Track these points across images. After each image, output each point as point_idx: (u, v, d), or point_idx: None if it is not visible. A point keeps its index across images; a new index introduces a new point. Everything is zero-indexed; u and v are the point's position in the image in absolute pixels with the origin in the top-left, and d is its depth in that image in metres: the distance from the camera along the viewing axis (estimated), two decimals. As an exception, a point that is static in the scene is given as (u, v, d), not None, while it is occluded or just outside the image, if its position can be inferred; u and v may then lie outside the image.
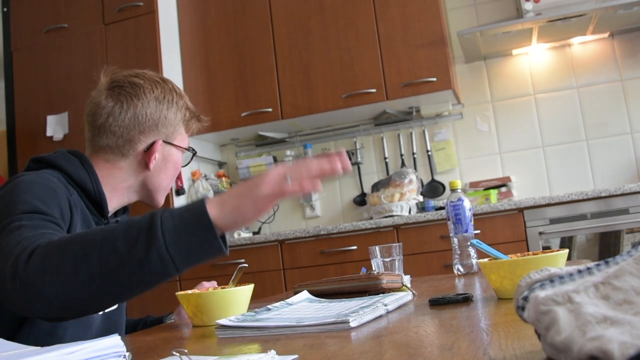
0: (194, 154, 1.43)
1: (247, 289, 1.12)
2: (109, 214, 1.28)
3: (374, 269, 1.46)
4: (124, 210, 1.39)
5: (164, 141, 1.31)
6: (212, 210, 0.81)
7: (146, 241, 0.80)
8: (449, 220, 1.65)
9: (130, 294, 0.85)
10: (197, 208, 0.82)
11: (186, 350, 0.68)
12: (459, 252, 1.61)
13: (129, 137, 1.27)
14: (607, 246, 2.70)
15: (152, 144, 1.28)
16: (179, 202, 3.29)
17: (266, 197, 0.81)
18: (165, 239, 0.79)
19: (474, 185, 3.30)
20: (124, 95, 1.27)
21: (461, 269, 1.60)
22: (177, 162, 1.35)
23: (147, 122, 1.28)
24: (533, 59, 3.45)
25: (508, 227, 2.81)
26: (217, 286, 1.30)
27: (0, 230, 0.95)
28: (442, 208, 3.14)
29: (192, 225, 0.80)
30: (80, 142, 1.31)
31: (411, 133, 3.58)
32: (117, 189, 1.28)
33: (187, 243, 0.79)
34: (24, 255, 0.83)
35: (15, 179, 1.11)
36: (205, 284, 1.34)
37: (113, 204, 1.29)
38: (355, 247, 2.99)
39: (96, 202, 1.23)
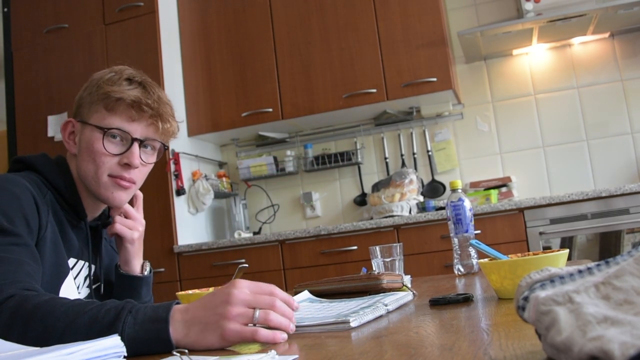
0: (139, 141, 1.21)
1: (248, 289, 1.11)
2: (88, 217, 1.24)
3: (374, 269, 1.46)
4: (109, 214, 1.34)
5: (77, 120, 1.23)
6: (177, 333, 0.78)
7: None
8: (449, 220, 1.65)
9: None
10: (162, 325, 0.78)
11: (186, 351, 0.68)
12: (459, 252, 1.61)
13: None
14: (607, 246, 2.70)
15: (68, 127, 1.25)
16: (179, 202, 3.29)
17: (235, 333, 0.76)
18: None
19: (474, 185, 3.29)
20: None
21: (461, 269, 1.60)
22: (89, 142, 1.19)
23: (75, 104, 1.27)
24: (533, 59, 3.44)
25: (508, 227, 2.81)
26: None
27: None
28: (442, 208, 3.14)
29: (152, 340, 0.78)
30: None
31: (411, 133, 3.58)
32: (78, 185, 1.23)
33: (139, 349, 0.79)
34: None
35: None
36: None
37: (88, 205, 1.25)
38: (355, 247, 2.99)
39: (71, 204, 1.20)
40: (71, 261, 1.19)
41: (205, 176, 3.51)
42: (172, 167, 3.28)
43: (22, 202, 1.06)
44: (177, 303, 0.83)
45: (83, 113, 1.23)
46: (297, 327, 0.84)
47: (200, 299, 0.82)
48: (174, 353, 0.68)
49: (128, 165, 1.19)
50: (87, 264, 1.24)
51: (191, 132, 3.54)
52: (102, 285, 1.30)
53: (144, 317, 0.80)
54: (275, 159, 3.69)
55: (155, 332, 0.78)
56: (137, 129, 1.20)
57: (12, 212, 1.03)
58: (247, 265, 1.19)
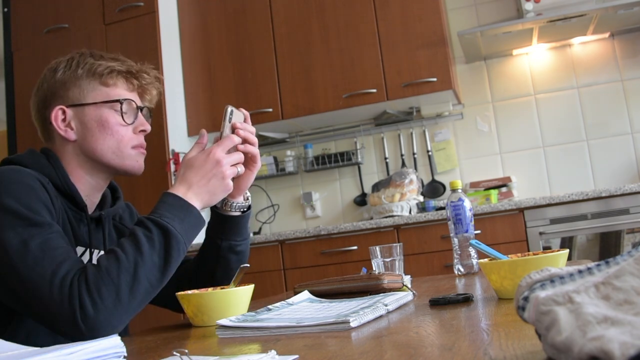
0: (140, 109, 1.27)
1: (248, 289, 1.11)
2: (88, 207, 1.23)
3: (374, 269, 1.46)
4: (114, 199, 1.33)
5: (68, 106, 1.21)
6: (199, 204, 1.13)
7: (177, 247, 1.05)
8: (449, 220, 1.65)
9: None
10: (195, 211, 1.11)
11: (186, 351, 0.68)
12: (459, 252, 1.61)
13: (42, 118, 1.25)
14: (607, 246, 2.70)
15: (58, 115, 1.22)
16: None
17: (231, 171, 1.19)
18: (184, 239, 1.06)
19: (474, 185, 3.29)
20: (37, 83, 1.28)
21: (461, 269, 1.60)
22: (102, 119, 1.21)
23: (47, 95, 1.23)
24: (533, 59, 3.44)
25: (508, 227, 2.81)
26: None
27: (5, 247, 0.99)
28: (442, 208, 3.14)
29: (196, 226, 1.11)
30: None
31: (411, 133, 3.58)
32: (75, 175, 1.22)
33: (193, 234, 1.10)
34: (74, 300, 0.94)
35: None
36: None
37: (84, 192, 1.23)
38: (355, 247, 2.99)
39: (68, 195, 1.19)
40: (79, 249, 1.19)
41: (205, 176, 3.51)
42: (172, 167, 3.28)
43: (37, 191, 1.07)
44: (170, 193, 1.11)
45: (72, 96, 1.22)
46: (297, 327, 0.84)
47: (185, 177, 1.14)
48: (174, 353, 0.68)
49: (142, 132, 1.27)
50: (96, 252, 1.23)
51: (191, 132, 3.54)
52: None
53: (180, 215, 1.07)
54: (275, 159, 3.69)
55: (195, 219, 1.10)
56: (137, 98, 1.28)
57: (34, 204, 1.04)
58: (248, 265, 1.19)
